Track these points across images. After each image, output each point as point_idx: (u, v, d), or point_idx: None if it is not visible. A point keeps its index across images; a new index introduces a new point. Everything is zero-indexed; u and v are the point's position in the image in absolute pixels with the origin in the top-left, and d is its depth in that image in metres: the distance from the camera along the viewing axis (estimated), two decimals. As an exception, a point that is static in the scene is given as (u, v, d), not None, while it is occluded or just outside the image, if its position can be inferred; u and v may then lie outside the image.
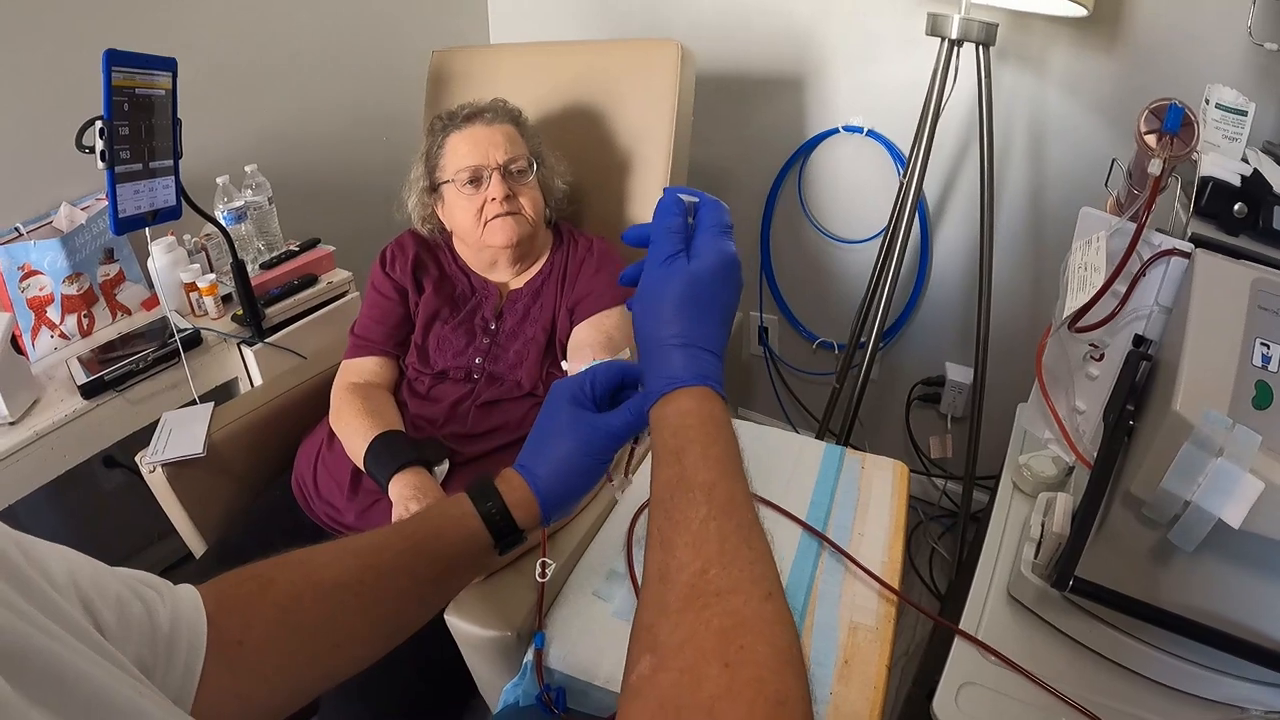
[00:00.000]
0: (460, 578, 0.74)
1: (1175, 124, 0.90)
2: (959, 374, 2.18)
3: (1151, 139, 0.91)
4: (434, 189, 1.49)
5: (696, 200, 0.65)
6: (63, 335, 1.61)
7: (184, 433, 1.44)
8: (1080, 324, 1.00)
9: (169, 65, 1.38)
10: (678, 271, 0.61)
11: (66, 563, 0.51)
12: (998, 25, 1.58)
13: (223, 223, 1.66)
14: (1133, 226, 0.95)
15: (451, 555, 0.71)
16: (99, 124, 1.27)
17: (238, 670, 0.59)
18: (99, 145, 1.28)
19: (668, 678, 0.46)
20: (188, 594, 0.59)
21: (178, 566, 2.12)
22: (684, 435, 0.56)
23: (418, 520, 0.74)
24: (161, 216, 1.42)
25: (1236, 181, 1.00)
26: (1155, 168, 0.90)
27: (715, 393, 0.59)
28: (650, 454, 0.59)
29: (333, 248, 1.93)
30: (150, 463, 1.38)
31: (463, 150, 1.43)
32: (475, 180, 1.42)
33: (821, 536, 1.19)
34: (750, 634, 0.47)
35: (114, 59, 1.26)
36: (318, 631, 0.65)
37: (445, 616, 1.05)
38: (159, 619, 0.55)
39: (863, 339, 2.02)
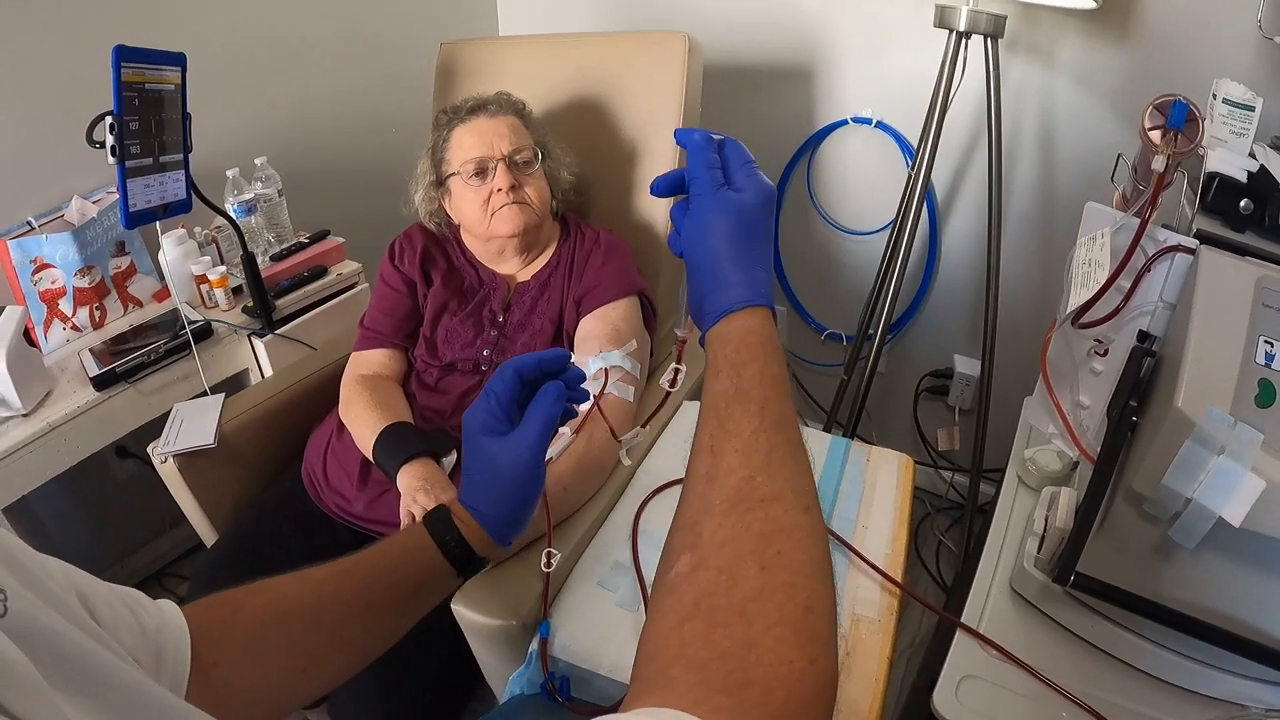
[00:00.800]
0: (422, 604, 0.77)
1: (1179, 120, 0.90)
2: (967, 366, 2.17)
3: (1155, 135, 0.91)
4: (440, 183, 1.49)
5: (720, 139, 0.68)
6: (75, 327, 1.63)
7: (195, 424, 1.45)
8: (1084, 320, 1.00)
9: (178, 60, 1.38)
10: (728, 201, 0.63)
11: (61, 565, 0.53)
12: (1005, 17, 1.58)
13: (233, 215, 1.67)
14: (1137, 222, 0.95)
15: (412, 585, 0.75)
16: (109, 119, 1.28)
17: (213, 690, 0.61)
18: (109, 140, 1.29)
19: (706, 575, 0.48)
20: (170, 608, 0.61)
21: (190, 555, 2.15)
22: (746, 351, 0.58)
23: (379, 552, 0.76)
24: (172, 210, 1.43)
25: (1243, 177, 1.00)
26: (1159, 164, 0.90)
27: (771, 315, 0.61)
28: (706, 366, 0.60)
29: (342, 239, 1.94)
30: (162, 453, 1.39)
31: (468, 142, 1.43)
32: (481, 172, 1.42)
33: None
34: (788, 541, 0.49)
35: (124, 55, 1.26)
36: (285, 657, 0.68)
37: (451, 605, 1.06)
38: (147, 627, 0.57)
39: (871, 330, 2.02)
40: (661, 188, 0.68)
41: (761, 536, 0.49)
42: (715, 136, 0.68)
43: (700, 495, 0.53)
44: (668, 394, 0.77)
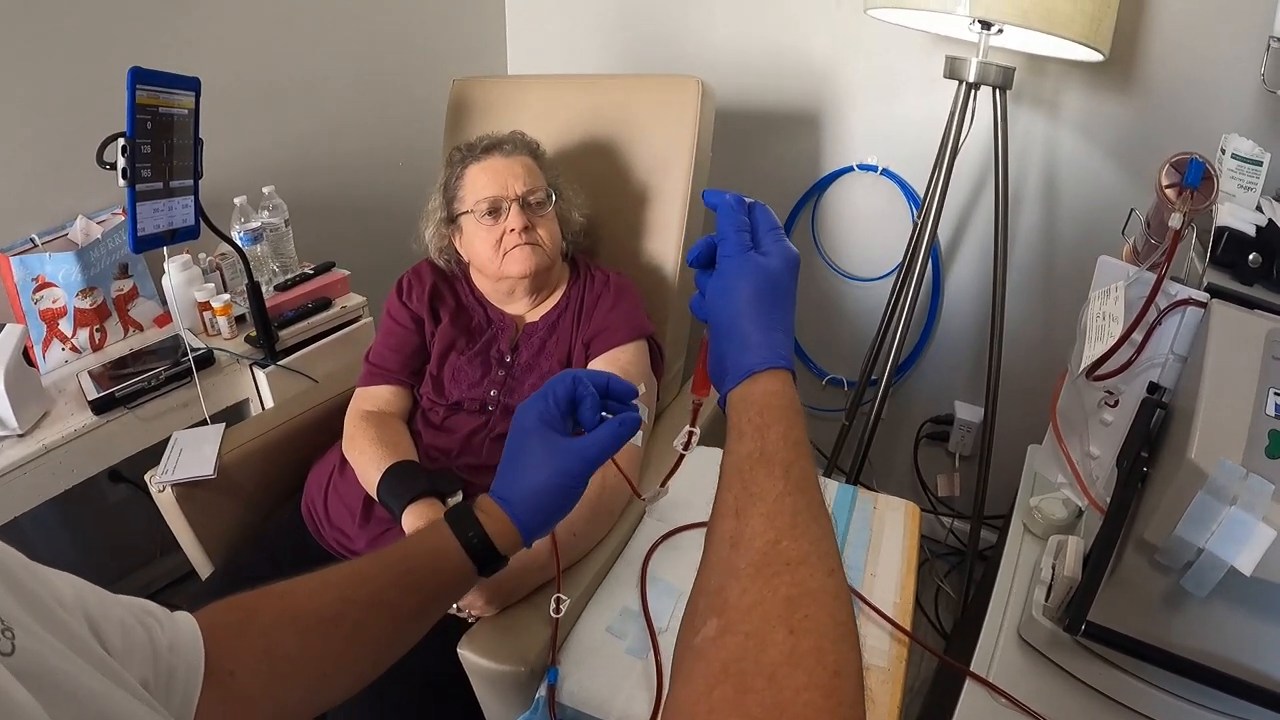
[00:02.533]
0: (441, 604, 0.76)
1: (1196, 179, 0.91)
2: (968, 412, 2.18)
3: (1171, 193, 0.92)
4: (452, 220, 1.50)
5: (750, 202, 0.69)
6: (74, 348, 1.62)
7: (194, 453, 1.43)
8: (1098, 372, 1.00)
9: (192, 85, 1.38)
10: (755, 265, 0.64)
11: (73, 586, 0.52)
12: (1014, 69, 1.60)
13: (239, 243, 1.67)
14: (1150, 276, 0.95)
15: (433, 585, 0.74)
16: (121, 141, 1.27)
17: (229, 699, 0.61)
18: (121, 163, 1.28)
19: (734, 640, 0.48)
20: (186, 622, 0.61)
21: (180, 583, 2.12)
22: (770, 414, 0.58)
23: (398, 551, 0.75)
24: (180, 236, 1.42)
25: (1251, 231, 1.01)
26: (1176, 221, 0.91)
27: (792, 378, 0.62)
28: (728, 428, 0.60)
29: (347, 271, 1.93)
30: (160, 482, 1.38)
31: (481, 181, 1.44)
32: (494, 211, 1.43)
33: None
34: (815, 605, 0.49)
35: (139, 77, 1.26)
36: (302, 662, 0.67)
37: (458, 650, 1.05)
38: (160, 645, 0.56)
39: (874, 376, 2.02)
40: (698, 258, 0.69)
41: (789, 600, 0.49)
42: (746, 200, 0.69)
43: (725, 559, 0.53)
44: (681, 456, 0.77)
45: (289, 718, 0.68)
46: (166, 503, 1.40)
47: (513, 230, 1.41)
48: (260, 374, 1.68)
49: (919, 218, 1.87)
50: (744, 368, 0.61)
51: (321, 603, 0.69)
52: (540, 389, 0.78)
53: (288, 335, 1.74)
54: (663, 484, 0.85)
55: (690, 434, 0.75)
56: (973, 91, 1.65)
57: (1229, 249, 1.01)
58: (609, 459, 0.76)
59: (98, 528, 1.97)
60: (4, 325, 1.41)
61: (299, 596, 0.70)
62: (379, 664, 0.73)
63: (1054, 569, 1.03)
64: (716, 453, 0.59)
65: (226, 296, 1.72)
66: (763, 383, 0.60)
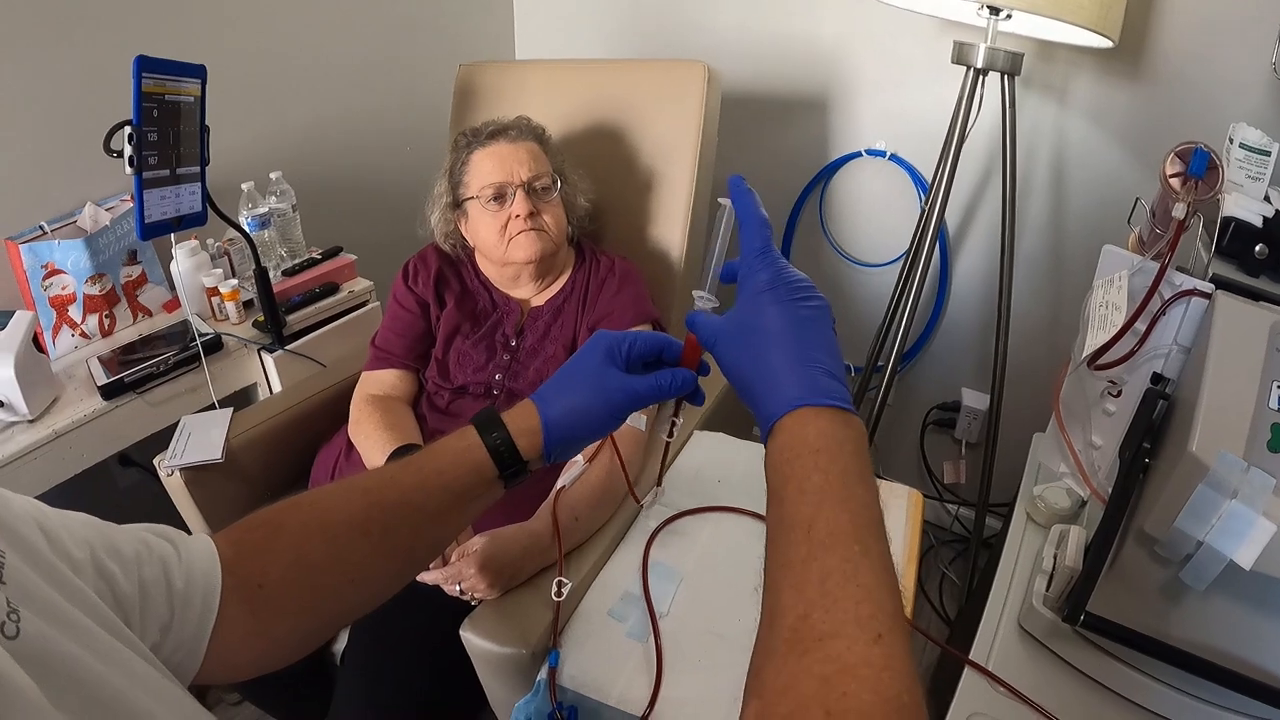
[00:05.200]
0: (467, 510, 0.74)
1: (1200, 168, 0.90)
2: (974, 400, 2.18)
3: (1176, 182, 0.91)
4: (457, 205, 1.50)
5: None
6: (83, 334, 1.63)
7: (203, 437, 1.44)
8: (1100, 361, 1.00)
9: (198, 72, 1.38)
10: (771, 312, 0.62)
11: (84, 531, 0.54)
12: (1023, 55, 1.59)
13: (247, 229, 1.67)
14: (1154, 266, 0.95)
15: (458, 488, 0.72)
16: (128, 130, 1.28)
17: (259, 612, 0.62)
18: (127, 150, 1.28)
19: None
20: (202, 546, 0.62)
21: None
22: (785, 470, 0.55)
23: (424, 455, 0.74)
24: (187, 223, 1.43)
25: (1258, 222, 1.00)
26: (1179, 211, 0.90)
27: (825, 409, 0.57)
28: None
29: (354, 256, 1.94)
30: (169, 466, 1.39)
31: (487, 167, 1.44)
32: (500, 197, 1.43)
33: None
34: (854, 681, 0.45)
35: (145, 65, 1.26)
36: (331, 570, 0.67)
37: (460, 632, 1.06)
38: (174, 577, 0.58)
39: (880, 362, 2.02)
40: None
41: (823, 680, 0.46)
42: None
43: (763, 638, 0.51)
44: (667, 444, 0.77)
45: (318, 627, 0.69)
46: (175, 486, 1.41)
47: (518, 216, 1.42)
48: (268, 359, 1.69)
49: (926, 203, 1.87)
50: (764, 426, 0.59)
51: (349, 508, 0.70)
52: (624, 332, 0.76)
53: (295, 320, 1.75)
54: (659, 483, 0.86)
55: (673, 423, 0.75)
56: (981, 77, 1.64)
57: (1235, 239, 1.00)
58: (652, 402, 0.73)
59: (107, 512, 1.95)
60: (14, 312, 1.43)
61: (326, 504, 0.71)
62: (405, 571, 0.74)
63: (1055, 558, 1.03)
64: (724, 439, 0.59)
65: (234, 282, 1.73)
66: (782, 435, 0.57)
